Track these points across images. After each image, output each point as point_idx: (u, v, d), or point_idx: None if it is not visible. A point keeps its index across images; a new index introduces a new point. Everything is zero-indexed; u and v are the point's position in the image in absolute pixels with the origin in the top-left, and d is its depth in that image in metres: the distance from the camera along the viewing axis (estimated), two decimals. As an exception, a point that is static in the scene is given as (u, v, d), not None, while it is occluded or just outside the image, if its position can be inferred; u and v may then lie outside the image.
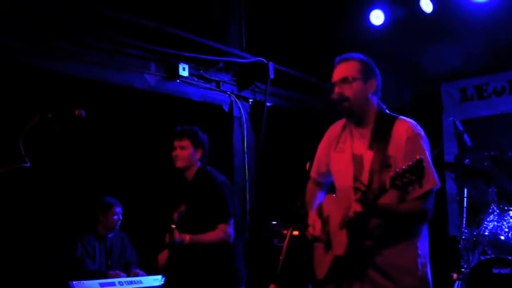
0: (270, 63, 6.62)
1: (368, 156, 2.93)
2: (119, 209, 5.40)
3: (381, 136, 2.91)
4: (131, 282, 4.61)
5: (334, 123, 3.25)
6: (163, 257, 4.22)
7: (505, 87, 7.02)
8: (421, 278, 2.92)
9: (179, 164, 4.25)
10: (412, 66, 6.84)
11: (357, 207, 2.73)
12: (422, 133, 2.96)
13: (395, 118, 2.99)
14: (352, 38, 6.67)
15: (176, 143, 4.27)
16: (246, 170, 6.56)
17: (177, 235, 4.01)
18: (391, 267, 2.89)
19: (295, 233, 2.83)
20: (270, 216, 6.36)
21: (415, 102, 7.08)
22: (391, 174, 2.59)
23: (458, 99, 7.36)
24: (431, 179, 2.85)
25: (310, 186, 3.28)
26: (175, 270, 4.18)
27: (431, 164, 2.90)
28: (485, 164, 5.89)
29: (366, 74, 3.01)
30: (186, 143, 4.24)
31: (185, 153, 4.23)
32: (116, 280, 4.60)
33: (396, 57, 6.49)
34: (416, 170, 2.52)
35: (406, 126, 2.92)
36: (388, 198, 2.82)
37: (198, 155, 4.29)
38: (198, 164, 4.30)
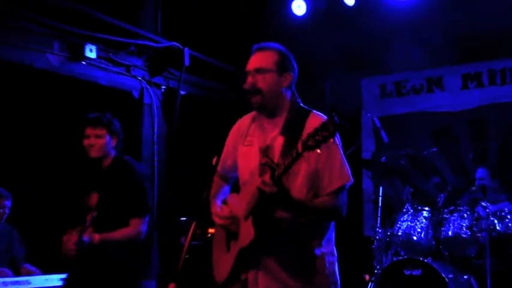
0: (186, 48, 6.53)
1: (279, 141, 2.92)
2: (8, 202, 5.36)
3: (294, 125, 2.90)
4: (17, 283, 4.37)
5: (243, 116, 3.22)
6: (70, 240, 3.94)
7: (423, 84, 7.15)
8: (329, 276, 2.92)
9: (94, 153, 4.09)
10: (333, 59, 6.81)
11: (266, 178, 2.66)
12: None
13: (309, 112, 3.00)
14: (274, 27, 6.69)
15: (90, 131, 4.10)
16: (155, 162, 6.47)
17: (86, 234, 3.89)
18: (297, 266, 2.86)
19: (199, 231, 2.88)
20: (180, 211, 6.28)
21: (335, 97, 7.03)
22: (303, 137, 2.55)
23: (378, 95, 7.44)
24: (344, 174, 2.89)
25: (215, 180, 3.26)
26: (82, 269, 4.03)
27: (344, 159, 2.92)
28: (401, 162, 5.93)
29: (282, 66, 2.99)
30: (101, 131, 4.10)
31: (101, 142, 4.08)
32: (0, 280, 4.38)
33: (317, 49, 6.48)
34: (329, 126, 2.48)
35: (319, 120, 2.85)
36: (299, 194, 2.82)
37: (113, 143, 4.17)
38: (113, 152, 4.18)
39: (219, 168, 3.21)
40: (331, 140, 2.47)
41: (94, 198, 4.09)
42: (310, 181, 2.86)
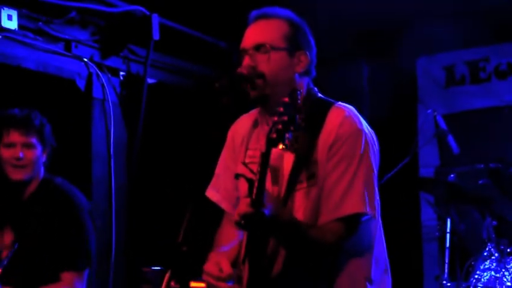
0: (154, 15, 6.23)
1: (287, 161, 2.93)
2: None
3: (307, 131, 2.92)
4: None
5: (240, 118, 3.31)
6: None
7: (513, 65, 6.95)
8: None
9: (23, 175, 4.10)
10: (372, 28, 6.76)
11: (242, 207, 2.67)
12: (367, 130, 2.99)
13: (330, 104, 3.02)
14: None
15: (16, 137, 4.07)
16: (112, 184, 6.24)
17: None
18: None
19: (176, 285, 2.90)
20: (147, 258, 6.17)
21: (376, 84, 7.06)
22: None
23: (443, 82, 7.35)
24: (354, 200, 2.85)
25: (224, 225, 3.32)
26: None
27: (364, 179, 2.88)
28: (481, 182, 5.98)
29: (295, 41, 3.02)
30: (32, 137, 4.11)
31: (32, 156, 4.11)
32: None
33: (348, 13, 6.45)
34: (289, 105, 2.61)
35: (341, 115, 2.95)
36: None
37: (44, 157, 4.22)
38: (42, 172, 4.20)
39: (225, 205, 3.27)
40: (292, 127, 2.58)
41: (7, 237, 4.16)
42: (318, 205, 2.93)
